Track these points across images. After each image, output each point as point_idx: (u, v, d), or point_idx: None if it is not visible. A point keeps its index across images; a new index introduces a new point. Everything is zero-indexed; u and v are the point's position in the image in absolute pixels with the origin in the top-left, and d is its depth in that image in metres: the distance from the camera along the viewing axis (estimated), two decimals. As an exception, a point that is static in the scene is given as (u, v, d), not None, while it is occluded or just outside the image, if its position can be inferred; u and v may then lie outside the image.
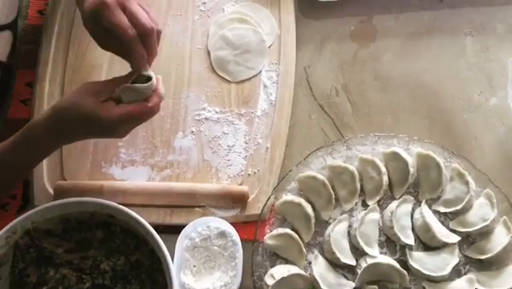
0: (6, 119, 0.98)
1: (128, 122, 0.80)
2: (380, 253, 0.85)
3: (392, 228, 0.85)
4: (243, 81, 0.98)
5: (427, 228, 0.84)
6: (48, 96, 0.97)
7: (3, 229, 0.80)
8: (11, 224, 0.80)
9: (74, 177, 0.93)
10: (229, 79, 0.98)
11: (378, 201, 0.88)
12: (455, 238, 0.84)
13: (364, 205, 0.89)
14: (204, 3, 1.03)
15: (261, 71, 0.98)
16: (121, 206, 0.82)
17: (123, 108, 0.79)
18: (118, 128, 0.80)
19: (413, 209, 0.87)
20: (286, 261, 0.86)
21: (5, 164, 0.81)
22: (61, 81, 0.99)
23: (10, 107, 0.98)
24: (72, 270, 0.83)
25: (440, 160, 0.88)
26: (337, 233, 0.85)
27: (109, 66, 0.99)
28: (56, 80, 0.98)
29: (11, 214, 0.92)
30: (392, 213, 0.85)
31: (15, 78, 1.00)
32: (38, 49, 1.00)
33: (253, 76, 0.98)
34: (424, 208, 0.86)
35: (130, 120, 0.80)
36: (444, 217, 0.87)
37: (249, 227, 0.88)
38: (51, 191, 0.91)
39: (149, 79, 0.80)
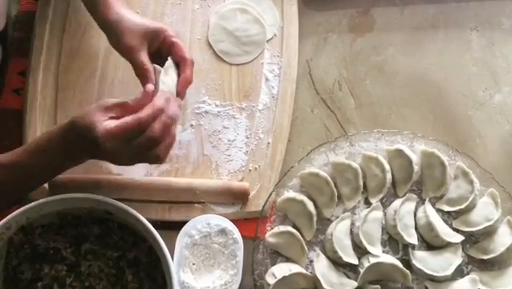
0: (-3, 109, 0.95)
1: (116, 138, 0.72)
2: (383, 252, 0.84)
3: (395, 227, 0.84)
4: (244, 73, 0.95)
5: (430, 227, 0.83)
6: (42, 86, 0.94)
7: (-3, 225, 0.78)
8: (5, 219, 0.78)
9: (70, 170, 0.90)
10: (228, 61, 0.96)
11: (381, 199, 0.87)
12: (458, 238, 0.83)
13: (367, 202, 0.87)
14: (204, -8, 1.00)
15: (263, 63, 0.96)
16: (119, 203, 0.79)
17: (113, 122, 0.72)
18: (105, 144, 0.72)
19: (416, 208, 0.86)
20: (287, 259, 0.85)
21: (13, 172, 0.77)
22: (55, 70, 0.95)
23: (2, 96, 0.95)
24: (68, 266, 0.81)
25: (445, 159, 0.86)
26: (339, 231, 0.84)
27: (105, 55, 0.96)
28: (50, 69, 0.95)
29: (4, 208, 0.89)
30: (395, 211, 0.84)
31: (6, 67, 0.96)
32: (31, 36, 0.97)
33: (253, 60, 0.96)
34: (428, 207, 0.85)
35: (118, 136, 0.72)
36: (448, 216, 0.86)
37: (250, 224, 0.87)
38: (46, 185, 0.88)
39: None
